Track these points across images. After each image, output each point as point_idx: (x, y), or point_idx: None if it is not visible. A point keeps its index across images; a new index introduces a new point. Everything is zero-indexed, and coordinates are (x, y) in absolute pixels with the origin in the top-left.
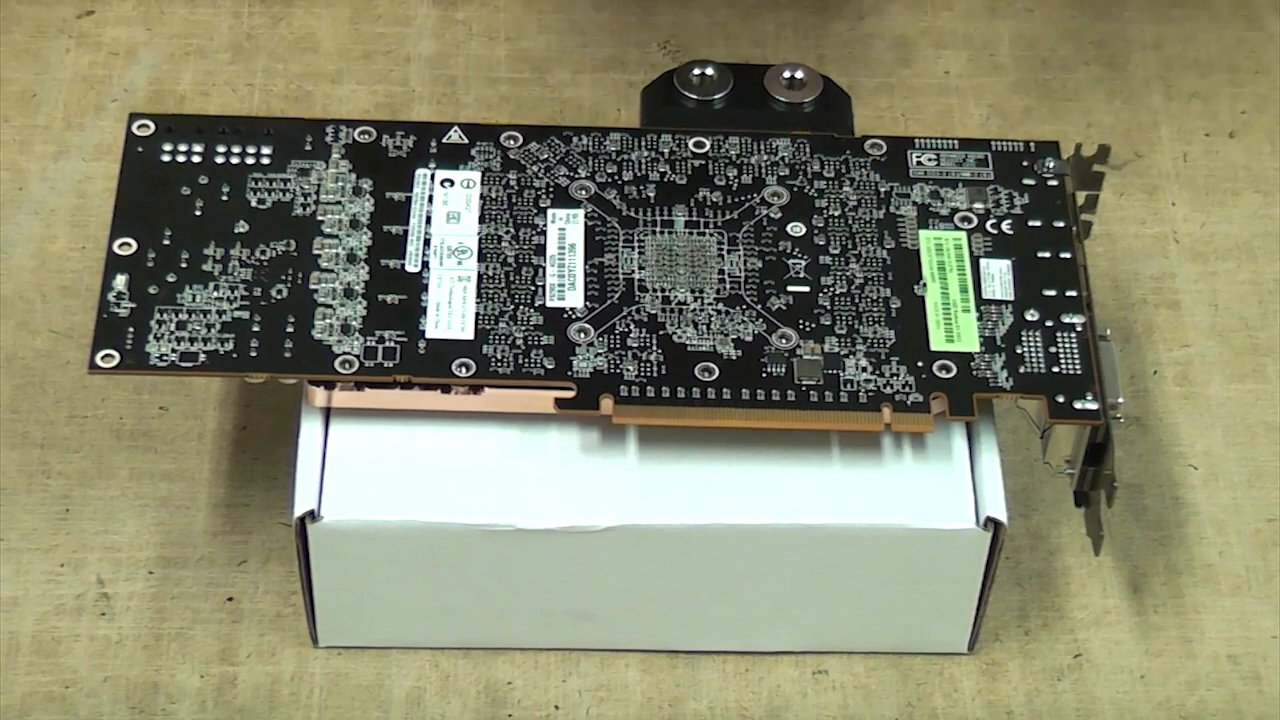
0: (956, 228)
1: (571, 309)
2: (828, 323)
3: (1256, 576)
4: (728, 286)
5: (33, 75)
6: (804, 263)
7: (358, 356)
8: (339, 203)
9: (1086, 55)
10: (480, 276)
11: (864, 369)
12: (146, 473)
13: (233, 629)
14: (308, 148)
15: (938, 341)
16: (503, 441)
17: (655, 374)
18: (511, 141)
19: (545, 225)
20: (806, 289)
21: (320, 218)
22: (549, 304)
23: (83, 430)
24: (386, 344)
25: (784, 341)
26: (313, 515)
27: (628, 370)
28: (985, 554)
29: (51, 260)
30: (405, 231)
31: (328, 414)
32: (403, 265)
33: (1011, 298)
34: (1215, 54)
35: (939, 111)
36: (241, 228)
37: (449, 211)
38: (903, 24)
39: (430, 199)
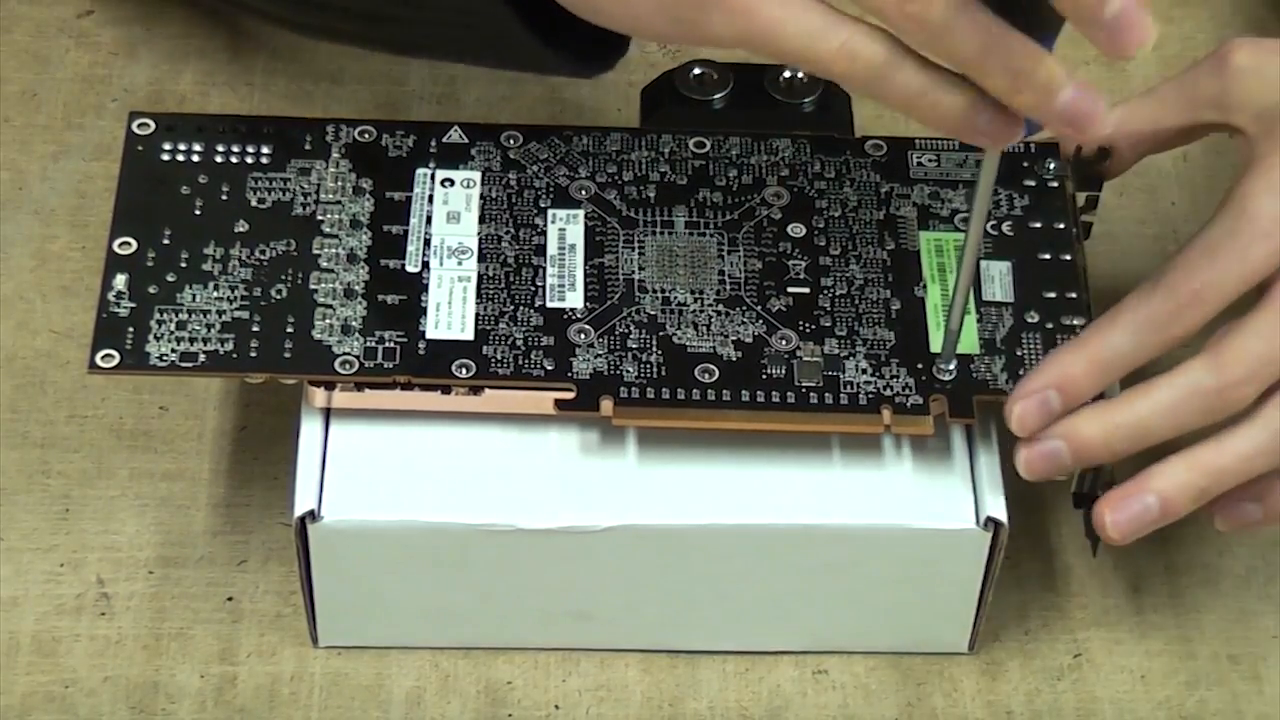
0: (957, 229)
1: (571, 310)
2: (828, 324)
3: (1256, 576)
4: (728, 287)
5: (33, 75)
6: (804, 264)
7: (358, 357)
8: (339, 202)
9: (1087, 55)
10: (480, 277)
11: (864, 370)
12: (146, 473)
13: (233, 629)
14: (308, 147)
15: (938, 343)
16: (503, 442)
17: (655, 375)
18: (511, 141)
19: (545, 225)
20: (806, 290)
21: (320, 218)
22: (549, 305)
23: (83, 430)
24: (386, 344)
25: (784, 343)
26: (313, 515)
27: (627, 371)
28: (985, 554)
29: (51, 260)
30: (405, 231)
31: (328, 414)
32: (403, 265)
33: (1011, 299)
34: None
35: None
36: (241, 227)
37: (449, 211)
38: None
39: (430, 199)
